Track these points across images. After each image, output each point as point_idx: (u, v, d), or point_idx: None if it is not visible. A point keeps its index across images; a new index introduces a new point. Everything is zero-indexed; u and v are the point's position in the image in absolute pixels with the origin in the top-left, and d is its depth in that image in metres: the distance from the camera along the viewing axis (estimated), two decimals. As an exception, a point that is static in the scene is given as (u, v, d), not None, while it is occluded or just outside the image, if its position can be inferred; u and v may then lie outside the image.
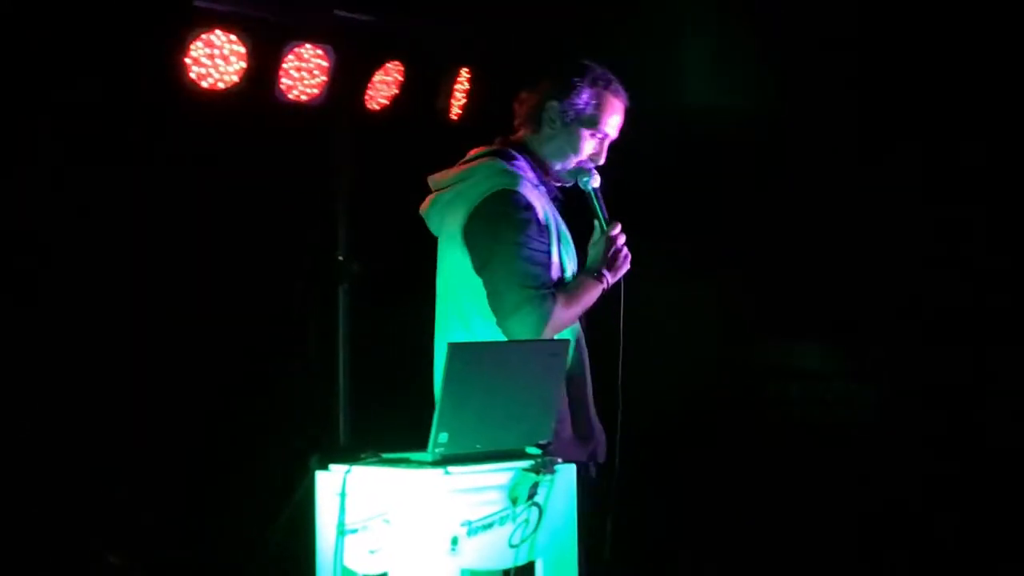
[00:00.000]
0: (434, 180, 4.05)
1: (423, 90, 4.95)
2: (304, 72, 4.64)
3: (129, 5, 4.54)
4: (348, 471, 3.67)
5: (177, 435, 5.14)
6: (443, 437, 3.59)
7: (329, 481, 3.70)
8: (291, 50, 4.60)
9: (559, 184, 4.01)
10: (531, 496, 3.66)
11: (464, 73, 5.03)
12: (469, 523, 3.58)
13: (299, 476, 4.34)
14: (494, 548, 3.62)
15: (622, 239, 3.89)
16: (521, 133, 4.01)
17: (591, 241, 3.94)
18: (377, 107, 4.87)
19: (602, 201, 3.91)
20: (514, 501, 3.65)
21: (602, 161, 3.94)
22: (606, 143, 3.96)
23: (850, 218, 5.82)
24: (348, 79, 4.76)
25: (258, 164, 5.14)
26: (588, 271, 3.90)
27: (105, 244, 4.93)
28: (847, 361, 6.86)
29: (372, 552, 3.59)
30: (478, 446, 3.66)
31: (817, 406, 7.02)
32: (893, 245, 5.84)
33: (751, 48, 5.80)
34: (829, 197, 5.82)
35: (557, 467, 3.71)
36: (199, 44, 4.38)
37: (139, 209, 4.98)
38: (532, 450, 3.72)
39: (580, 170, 3.94)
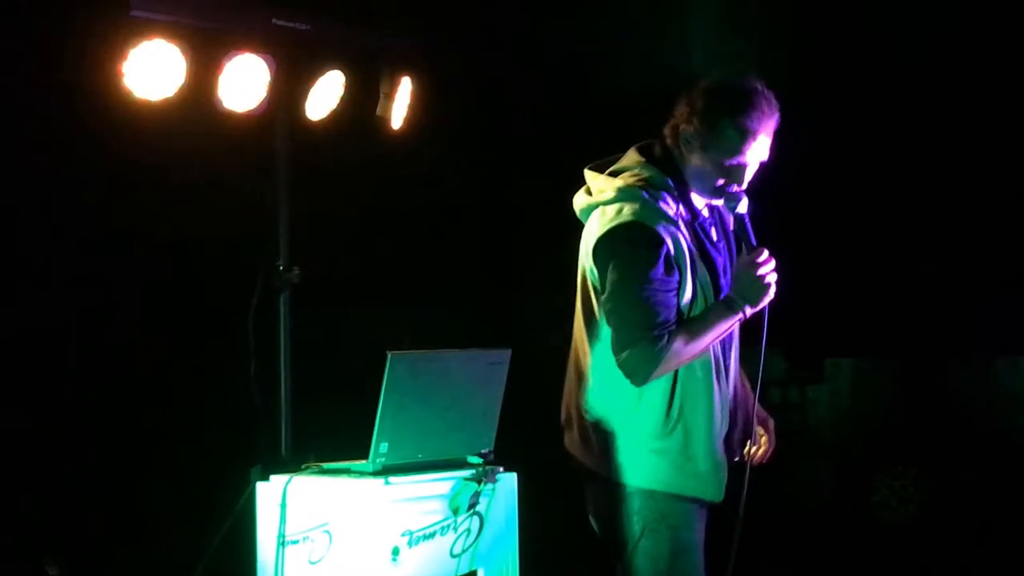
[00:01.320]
0: (590, 177, 3.77)
1: (364, 99, 4.93)
2: (243, 82, 4.61)
3: (67, 14, 4.50)
4: (288, 481, 3.67)
5: (117, 446, 5.10)
6: (384, 447, 3.60)
7: (270, 492, 3.70)
8: (230, 60, 4.56)
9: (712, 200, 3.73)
10: (472, 505, 3.67)
11: (406, 81, 5.01)
12: (410, 533, 3.58)
13: (241, 487, 4.32)
14: (436, 557, 3.63)
15: (767, 266, 3.58)
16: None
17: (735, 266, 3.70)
18: (317, 117, 4.85)
19: (749, 226, 3.64)
20: (455, 511, 3.66)
21: (744, 186, 3.64)
22: (752, 167, 3.65)
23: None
24: (288, 89, 4.73)
25: (197, 174, 5.11)
26: (724, 300, 3.61)
27: (41, 254, 4.88)
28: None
29: (313, 563, 3.59)
30: (419, 456, 3.67)
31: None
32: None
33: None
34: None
35: (499, 476, 3.72)
36: (137, 53, 4.33)
37: (76, 219, 4.93)
38: (474, 459, 3.73)
39: (721, 193, 3.66)
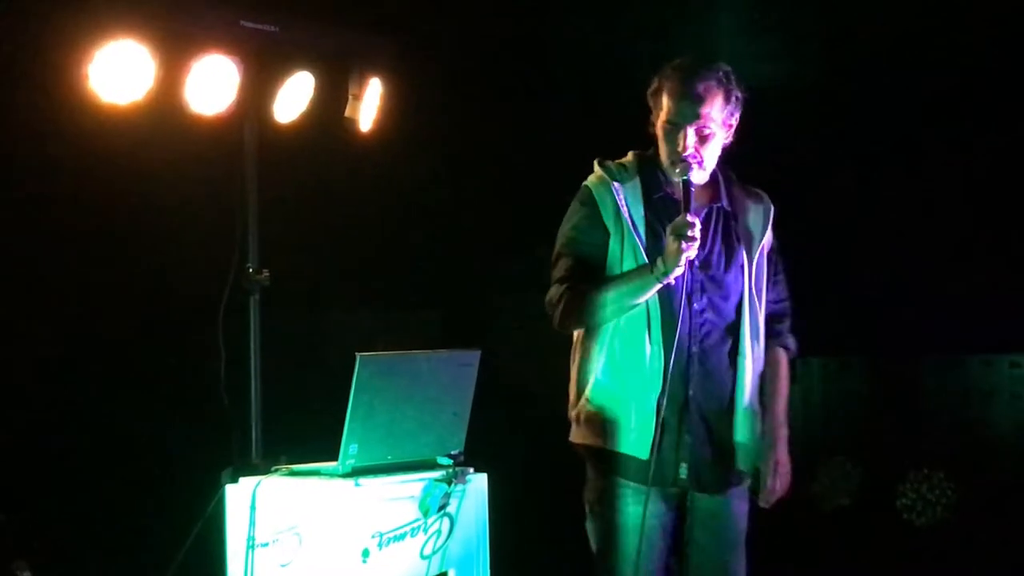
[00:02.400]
0: None
1: (333, 101, 4.91)
2: (212, 84, 4.58)
3: (28, 12, 4.46)
4: (258, 484, 3.66)
5: (87, 449, 5.08)
6: (353, 448, 3.59)
7: (239, 494, 3.68)
8: (198, 61, 4.53)
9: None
10: (443, 507, 3.67)
11: (375, 83, 5.00)
12: (380, 534, 3.58)
13: (211, 490, 4.30)
14: (406, 559, 3.62)
15: (686, 232, 3.68)
16: None
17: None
18: (286, 118, 4.82)
19: (691, 194, 3.77)
20: (425, 512, 3.65)
21: (687, 148, 3.81)
22: (681, 131, 3.83)
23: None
24: (256, 90, 4.70)
25: (165, 177, 5.09)
26: (646, 263, 3.79)
27: (9, 257, 4.86)
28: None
29: (283, 565, 3.58)
30: (389, 457, 3.66)
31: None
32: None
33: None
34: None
35: (469, 477, 3.71)
36: (102, 55, 4.30)
37: (42, 223, 4.91)
38: (444, 460, 3.73)
39: (672, 163, 3.85)
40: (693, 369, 3.85)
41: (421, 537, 3.65)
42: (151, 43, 4.40)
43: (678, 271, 3.69)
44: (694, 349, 3.85)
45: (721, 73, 3.86)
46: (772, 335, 4.03)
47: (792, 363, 4.12)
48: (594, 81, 5.82)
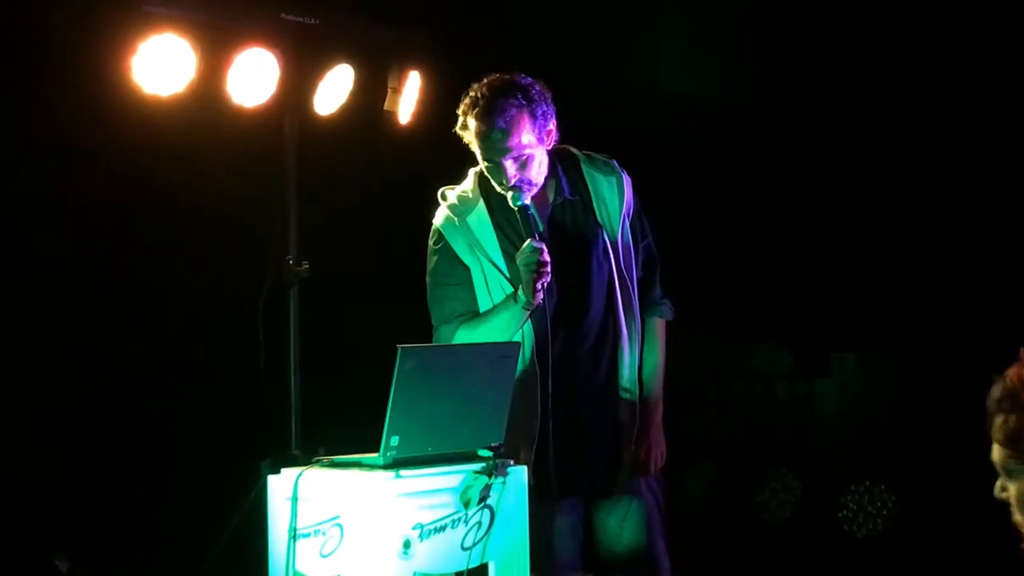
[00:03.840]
0: None
1: (372, 93, 4.93)
2: (253, 77, 4.61)
3: (75, 8, 4.50)
4: (300, 475, 3.67)
5: (128, 440, 5.12)
6: (394, 440, 3.59)
7: (280, 485, 3.70)
8: (239, 54, 4.57)
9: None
10: (483, 499, 3.67)
11: (414, 76, 5.01)
12: (421, 526, 3.58)
13: (250, 481, 4.33)
14: (446, 551, 3.63)
15: (533, 257, 3.77)
16: None
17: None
18: (326, 111, 4.85)
19: (530, 219, 3.84)
20: (466, 504, 3.66)
21: (512, 180, 3.86)
22: (499, 166, 3.88)
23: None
24: (297, 83, 4.73)
25: (206, 169, 5.12)
26: (512, 292, 3.88)
27: (50, 249, 4.89)
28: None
29: (324, 556, 3.59)
30: (430, 449, 3.67)
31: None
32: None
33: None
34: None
35: (509, 469, 3.72)
36: (146, 48, 4.34)
37: (85, 214, 4.95)
38: (484, 452, 3.73)
39: (509, 191, 3.89)
40: (573, 371, 3.96)
41: (462, 529, 3.66)
42: (192, 37, 4.45)
43: (540, 296, 3.76)
44: (567, 352, 3.95)
45: (519, 96, 3.86)
46: (645, 305, 4.07)
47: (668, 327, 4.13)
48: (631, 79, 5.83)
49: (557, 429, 3.90)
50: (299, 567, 3.61)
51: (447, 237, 3.97)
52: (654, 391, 4.07)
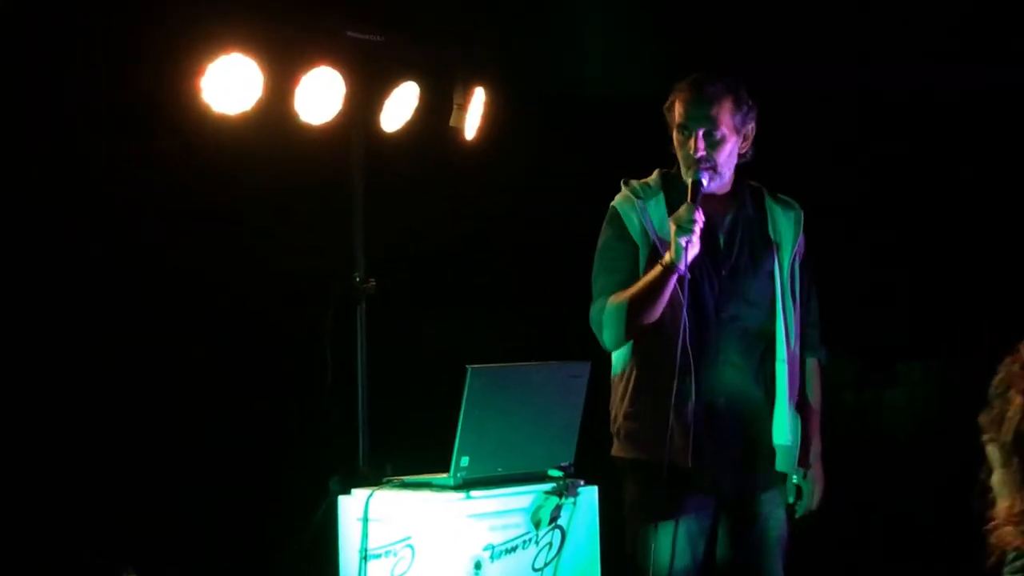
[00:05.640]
0: None
1: (437, 110, 4.94)
2: (319, 94, 4.63)
3: (145, 31, 4.54)
4: (370, 495, 3.68)
5: (197, 456, 5.14)
6: (464, 461, 3.60)
7: (352, 505, 3.71)
8: (306, 73, 4.59)
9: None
10: (554, 519, 3.67)
11: (479, 92, 5.01)
12: (492, 546, 3.59)
13: (318, 499, 4.34)
14: (517, 571, 3.63)
15: (685, 219, 3.81)
16: None
17: None
18: (392, 128, 4.86)
19: (698, 194, 3.88)
20: (537, 524, 3.65)
21: (698, 151, 3.94)
22: (692, 135, 3.96)
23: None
24: (363, 100, 4.74)
25: (273, 187, 5.14)
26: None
27: (126, 263, 4.94)
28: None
29: (396, 577, 3.60)
30: (500, 469, 3.67)
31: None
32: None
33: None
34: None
35: (579, 489, 3.71)
36: (214, 68, 4.37)
37: (157, 230, 4.99)
38: (554, 472, 3.72)
39: (687, 167, 3.98)
40: (726, 376, 3.92)
41: (532, 549, 3.66)
42: (259, 56, 4.47)
43: (692, 251, 3.77)
44: (724, 357, 3.92)
45: (730, 79, 4.00)
46: (806, 345, 4.09)
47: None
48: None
49: (702, 427, 3.87)
50: (371, 588, 3.63)
51: (622, 213, 4.02)
52: (815, 422, 4.09)
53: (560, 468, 3.73)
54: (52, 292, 4.81)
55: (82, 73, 4.64)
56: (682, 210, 3.81)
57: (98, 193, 4.83)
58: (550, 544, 3.68)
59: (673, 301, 3.84)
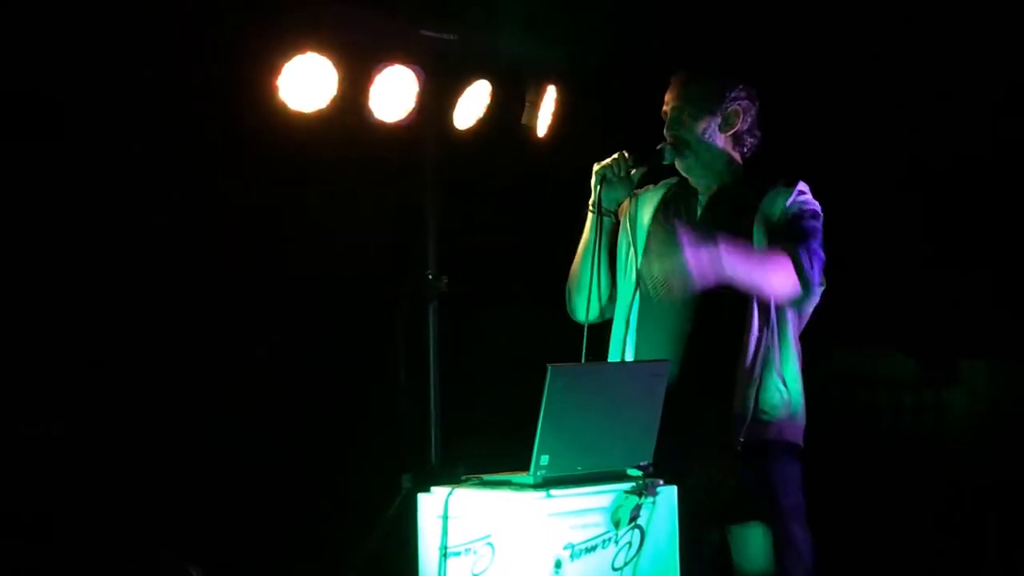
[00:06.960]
0: None
1: (509, 108, 4.95)
2: (393, 93, 4.66)
3: (224, 32, 4.59)
4: (450, 493, 3.69)
5: (269, 453, 5.17)
6: (544, 459, 3.59)
7: (431, 503, 3.72)
8: (380, 71, 4.62)
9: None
10: (633, 518, 3.66)
11: (551, 90, 5.02)
12: (572, 545, 3.58)
13: (390, 497, 4.36)
14: (597, 570, 3.62)
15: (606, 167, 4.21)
16: None
17: None
18: (464, 126, 4.88)
19: (651, 156, 4.18)
20: (616, 523, 3.64)
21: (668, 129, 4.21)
22: (666, 112, 4.24)
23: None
24: (436, 98, 4.77)
25: (347, 184, 5.17)
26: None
27: (199, 266, 4.98)
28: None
29: (476, 574, 3.60)
30: (579, 468, 3.66)
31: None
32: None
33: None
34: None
35: (659, 489, 3.70)
36: (291, 67, 4.42)
37: (235, 226, 5.03)
38: (633, 471, 3.72)
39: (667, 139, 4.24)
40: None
41: (612, 549, 3.65)
42: (334, 55, 4.52)
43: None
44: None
45: (713, 70, 4.21)
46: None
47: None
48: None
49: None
50: (451, 585, 3.63)
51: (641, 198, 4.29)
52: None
53: (639, 467, 3.71)
54: (136, 298, 4.87)
55: (160, 73, 4.68)
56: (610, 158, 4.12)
57: (175, 191, 4.87)
58: (629, 543, 3.67)
59: None
